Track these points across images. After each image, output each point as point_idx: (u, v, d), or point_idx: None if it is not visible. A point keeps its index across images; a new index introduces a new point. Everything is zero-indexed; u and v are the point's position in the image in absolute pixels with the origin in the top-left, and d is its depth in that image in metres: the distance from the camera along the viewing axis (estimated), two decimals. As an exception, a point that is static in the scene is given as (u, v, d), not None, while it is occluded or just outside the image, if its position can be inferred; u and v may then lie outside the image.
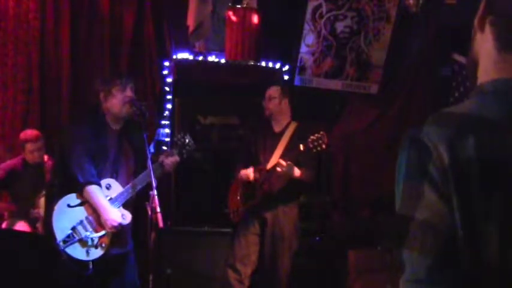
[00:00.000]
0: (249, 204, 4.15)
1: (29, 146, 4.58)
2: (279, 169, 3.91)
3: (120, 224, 3.37)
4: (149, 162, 3.34)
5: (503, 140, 0.92)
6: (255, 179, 4.11)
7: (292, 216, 4.18)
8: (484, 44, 1.01)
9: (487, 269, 0.90)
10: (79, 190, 3.36)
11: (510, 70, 0.98)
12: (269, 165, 4.11)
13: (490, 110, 0.95)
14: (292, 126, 4.24)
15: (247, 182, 4.13)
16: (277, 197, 4.12)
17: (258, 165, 4.17)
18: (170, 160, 3.58)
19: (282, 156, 4.05)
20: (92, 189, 3.34)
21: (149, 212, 3.32)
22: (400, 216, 0.97)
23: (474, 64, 1.04)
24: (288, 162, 3.90)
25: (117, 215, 3.37)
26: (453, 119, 0.96)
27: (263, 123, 4.34)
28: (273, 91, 4.28)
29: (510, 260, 0.90)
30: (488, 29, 1.00)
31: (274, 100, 4.23)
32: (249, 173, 4.11)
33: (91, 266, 3.30)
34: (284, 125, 4.26)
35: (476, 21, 1.02)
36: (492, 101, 0.96)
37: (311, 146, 3.84)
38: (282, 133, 4.23)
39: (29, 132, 4.63)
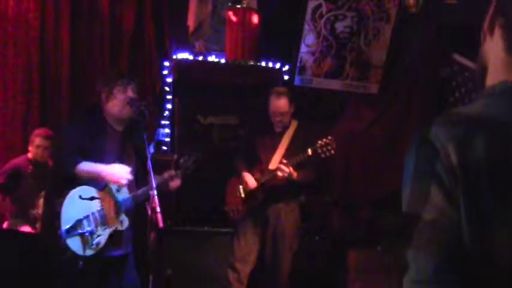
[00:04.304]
0: (250, 204, 4.15)
1: (37, 140, 4.66)
2: (279, 174, 3.93)
3: (127, 178, 3.34)
4: (149, 162, 3.33)
5: None
6: (257, 180, 4.12)
7: (294, 216, 4.18)
8: (494, 46, 1.01)
9: (498, 269, 0.90)
10: (74, 179, 3.34)
11: None
12: (271, 166, 4.11)
13: (500, 111, 0.95)
14: (293, 125, 4.24)
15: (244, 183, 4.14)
16: (278, 197, 4.13)
17: (259, 164, 4.17)
18: (174, 184, 3.58)
19: (285, 156, 4.06)
20: (82, 165, 3.30)
21: (149, 212, 3.32)
22: (407, 216, 0.97)
23: (483, 67, 1.04)
24: (290, 168, 3.91)
25: (120, 167, 3.33)
26: (462, 120, 0.96)
27: (263, 122, 4.33)
28: (284, 105, 4.15)
29: None
30: (497, 31, 1.00)
31: (286, 114, 4.18)
32: (251, 181, 4.11)
33: (81, 263, 3.29)
34: (285, 124, 4.26)
35: (485, 24, 1.02)
36: (502, 102, 0.96)
37: (319, 151, 3.88)
38: (283, 132, 4.23)
39: (42, 129, 4.74)
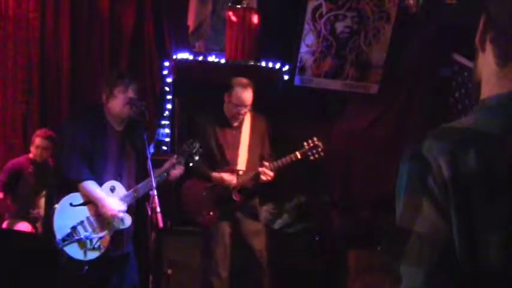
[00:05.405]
0: (224, 207, 4.01)
1: (37, 141, 4.68)
2: (264, 178, 3.88)
3: (121, 212, 3.37)
4: (149, 162, 3.33)
5: (505, 154, 0.92)
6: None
7: (266, 215, 4.14)
8: (486, 60, 1.02)
9: (490, 281, 0.90)
10: (75, 188, 3.37)
11: None
12: (240, 166, 4.01)
13: (492, 124, 0.95)
14: (247, 119, 4.10)
15: (222, 184, 3.98)
16: (252, 197, 4.08)
17: (225, 164, 4.02)
18: (176, 172, 3.56)
19: (250, 154, 4.00)
20: (86, 184, 3.36)
21: (149, 212, 3.32)
22: (399, 230, 0.97)
23: (478, 83, 1.04)
24: (273, 172, 3.88)
25: (116, 203, 3.37)
26: (454, 133, 0.96)
27: (218, 116, 4.10)
28: (250, 97, 3.98)
29: None
30: (489, 45, 1.01)
31: (249, 106, 4.02)
32: (233, 179, 3.96)
33: (86, 267, 3.31)
34: (243, 118, 4.10)
35: (477, 40, 1.03)
36: (495, 115, 0.96)
37: (309, 153, 3.88)
38: (239, 127, 4.07)
39: (43, 130, 4.76)
